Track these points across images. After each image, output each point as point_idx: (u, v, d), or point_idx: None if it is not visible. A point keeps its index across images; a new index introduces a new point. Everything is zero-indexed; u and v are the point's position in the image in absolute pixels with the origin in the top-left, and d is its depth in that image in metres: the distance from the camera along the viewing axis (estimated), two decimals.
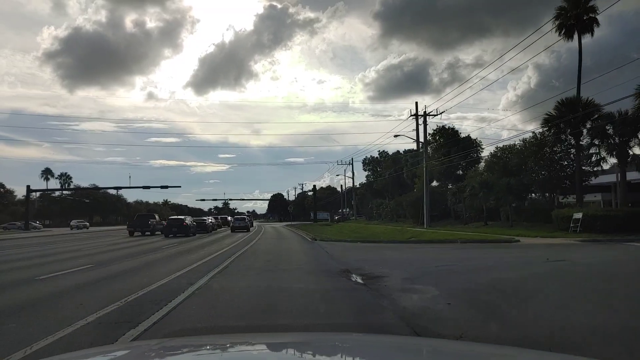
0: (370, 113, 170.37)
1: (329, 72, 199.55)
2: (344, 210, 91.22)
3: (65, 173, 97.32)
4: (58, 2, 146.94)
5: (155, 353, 2.14)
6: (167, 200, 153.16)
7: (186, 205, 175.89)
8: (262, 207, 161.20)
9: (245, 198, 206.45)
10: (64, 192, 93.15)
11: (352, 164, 73.80)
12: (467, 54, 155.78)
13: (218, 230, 48.48)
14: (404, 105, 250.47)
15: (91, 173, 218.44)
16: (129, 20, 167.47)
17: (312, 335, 3.67)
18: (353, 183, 75.45)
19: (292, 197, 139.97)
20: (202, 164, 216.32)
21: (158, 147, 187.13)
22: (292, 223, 73.32)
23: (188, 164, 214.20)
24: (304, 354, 2.18)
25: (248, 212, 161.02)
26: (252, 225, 62.56)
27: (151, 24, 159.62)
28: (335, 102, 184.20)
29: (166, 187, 67.73)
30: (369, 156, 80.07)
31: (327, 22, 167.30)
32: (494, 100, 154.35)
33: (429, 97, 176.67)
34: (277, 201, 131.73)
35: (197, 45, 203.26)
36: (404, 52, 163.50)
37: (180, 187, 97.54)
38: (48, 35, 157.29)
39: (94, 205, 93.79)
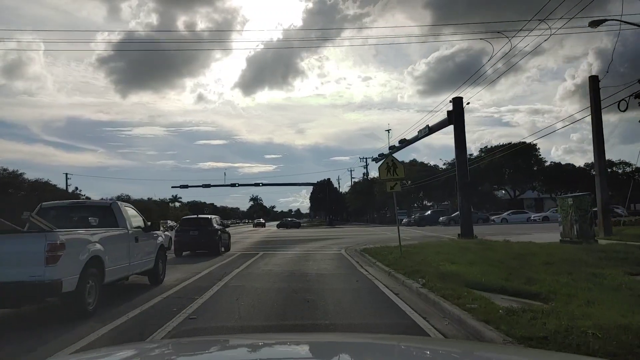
0: (416, 108, 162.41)
1: (377, 68, 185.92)
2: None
3: None
4: (112, 7, 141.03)
5: (160, 353, 2.15)
6: (176, 196, 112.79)
7: (212, 204, 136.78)
8: (306, 206, 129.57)
9: (276, 184, 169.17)
10: None
11: None
12: (524, 42, 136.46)
13: None
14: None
15: (145, 176, 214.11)
16: (180, 22, 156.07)
17: (315, 336, 3.53)
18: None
19: (346, 187, 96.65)
20: (249, 164, 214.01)
21: (206, 149, 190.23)
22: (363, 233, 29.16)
23: (235, 165, 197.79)
24: (305, 354, 2.13)
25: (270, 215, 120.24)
26: (227, 249, 20.69)
27: (201, 25, 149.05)
28: (383, 97, 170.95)
29: None
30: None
31: (377, 16, 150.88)
32: (544, 92, 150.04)
33: (480, 87, 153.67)
34: (322, 192, 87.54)
35: (245, 45, 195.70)
36: (456, 42, 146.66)
37: None
38: (101, 40, 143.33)
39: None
